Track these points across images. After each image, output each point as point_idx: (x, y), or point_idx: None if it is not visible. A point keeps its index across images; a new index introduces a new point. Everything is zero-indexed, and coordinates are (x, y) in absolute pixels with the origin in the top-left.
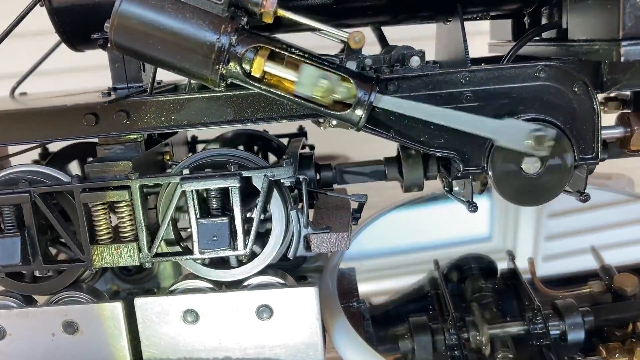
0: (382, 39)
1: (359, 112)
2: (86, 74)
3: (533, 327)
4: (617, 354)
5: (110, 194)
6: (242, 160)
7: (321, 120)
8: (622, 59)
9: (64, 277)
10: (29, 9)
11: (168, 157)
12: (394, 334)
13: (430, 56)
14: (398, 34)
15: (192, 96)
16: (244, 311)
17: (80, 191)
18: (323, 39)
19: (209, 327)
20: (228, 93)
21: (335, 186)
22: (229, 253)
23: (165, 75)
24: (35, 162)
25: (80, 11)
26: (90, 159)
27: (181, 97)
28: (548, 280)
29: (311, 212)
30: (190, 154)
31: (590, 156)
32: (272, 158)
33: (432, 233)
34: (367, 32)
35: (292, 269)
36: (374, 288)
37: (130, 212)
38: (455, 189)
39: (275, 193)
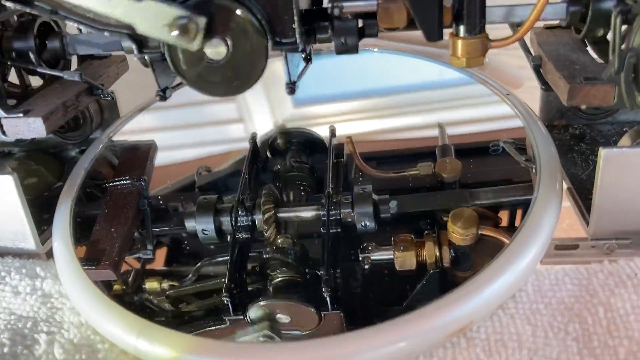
0: None
1: None
2: None
3: (324, 213)
4: (401, 248)
5: None
6: None
7: None
8: None
9: None
10: None
11: None
12: (182, 213)
13: None
14: None
15: None
16: None
17: None
18: None
19: None
20: None
21: None
22: None
23: None
24: None
25: None
26: None
27: None
28: (386, 156)
29: None
30: None
31: (290, 41)
32: None
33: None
34: None
35: None
36: (174, 158)
37: None
38: None
39: None
